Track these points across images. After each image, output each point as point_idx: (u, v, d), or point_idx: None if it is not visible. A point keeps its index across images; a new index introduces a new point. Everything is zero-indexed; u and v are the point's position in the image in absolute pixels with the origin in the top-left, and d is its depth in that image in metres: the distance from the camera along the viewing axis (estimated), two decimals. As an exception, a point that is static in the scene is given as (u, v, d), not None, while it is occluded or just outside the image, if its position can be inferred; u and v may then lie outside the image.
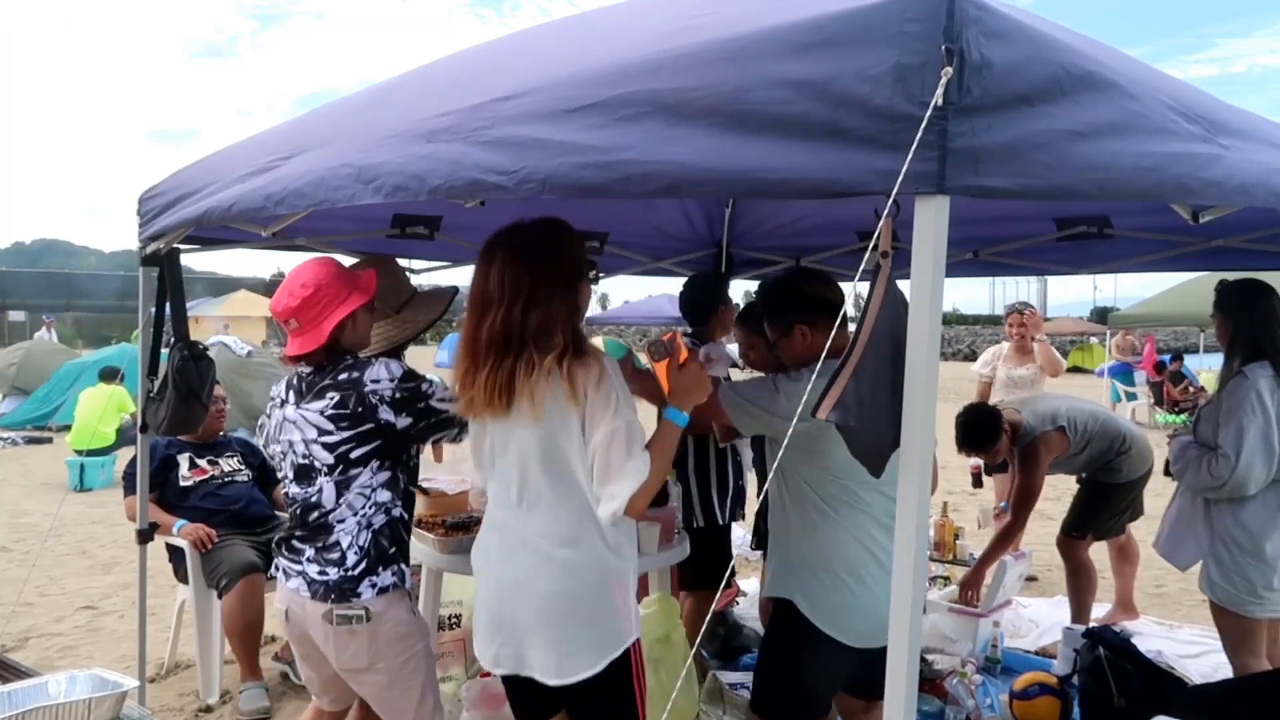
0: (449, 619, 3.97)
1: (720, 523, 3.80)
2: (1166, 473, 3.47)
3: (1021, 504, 4.23)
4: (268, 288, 31.38)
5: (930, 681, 3.67)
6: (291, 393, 2.47)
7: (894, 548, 1.48)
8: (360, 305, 2.42)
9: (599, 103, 1.67)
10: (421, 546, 3.14)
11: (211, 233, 3.35)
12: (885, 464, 1.56)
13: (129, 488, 4.05)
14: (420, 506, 3.45)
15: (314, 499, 2.38)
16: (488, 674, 3.49)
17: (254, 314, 27.44)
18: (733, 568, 3.25)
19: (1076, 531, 4.48)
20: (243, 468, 4.34)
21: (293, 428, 2.41)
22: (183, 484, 4.18)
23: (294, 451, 2.41)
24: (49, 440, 12.14)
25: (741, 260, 4.81)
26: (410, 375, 2.37)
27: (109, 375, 9.89)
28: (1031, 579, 5.54)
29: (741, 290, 26.68)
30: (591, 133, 1.66)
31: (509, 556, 2.14)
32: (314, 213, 2.73)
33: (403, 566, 2.42)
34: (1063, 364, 6.15)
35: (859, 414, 1.49)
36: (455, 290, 3.14)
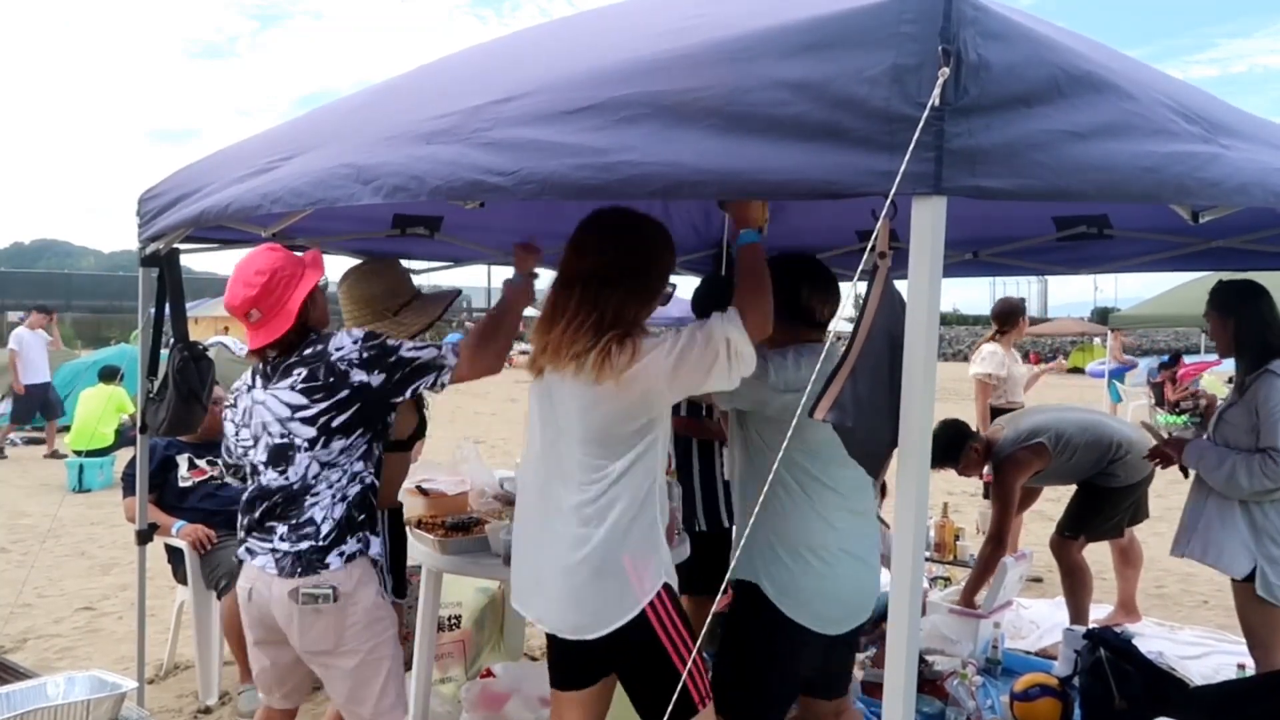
0: (449, 620, 3.96)
1: (724, 526, 3.79)
2: (1184, 474, 3.48)
3: (997, 520, 4.27)
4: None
5: (931, 683, 3.66)
6: (258, 378, 2.44)
7: (894, 548, 1.48)
8: (316, 282, 2.41)
9: (598, 104, 1.68)
10: (421, 547, 3.14)
11: (211, 233, 3.35)
12: (883, 464, 1.56)
13: (128, 488, 4.05)
14: (420, 507, 3.45)
15: (294, 482, 2.34)
16: (488, 674, 3.50)
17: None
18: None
19: (1070, 532, 4.47)
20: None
21: (263, 409, 2.37)
22: (182, 484, 4.18)
23: (268, 433, 2.36)
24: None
25: (741, 261, 4.80)
26: (372, 335, 2.36)
27: (108, 375, 9.89)
28: (1036, 580, 5.53)
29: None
30: (590, 134, 1.67)
31: (540, 523, 2.17)
32: (314, 212, 2.74)
33: (368, 534, 2.40)
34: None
35: (856, 414, 1.49)
36: (457, 293, 3.13)
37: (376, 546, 2.43)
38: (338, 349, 2.33)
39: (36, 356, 10.99)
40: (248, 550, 2.41)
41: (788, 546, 2.36)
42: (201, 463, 4.24)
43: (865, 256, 1.49)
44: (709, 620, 2.08)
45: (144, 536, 3.53)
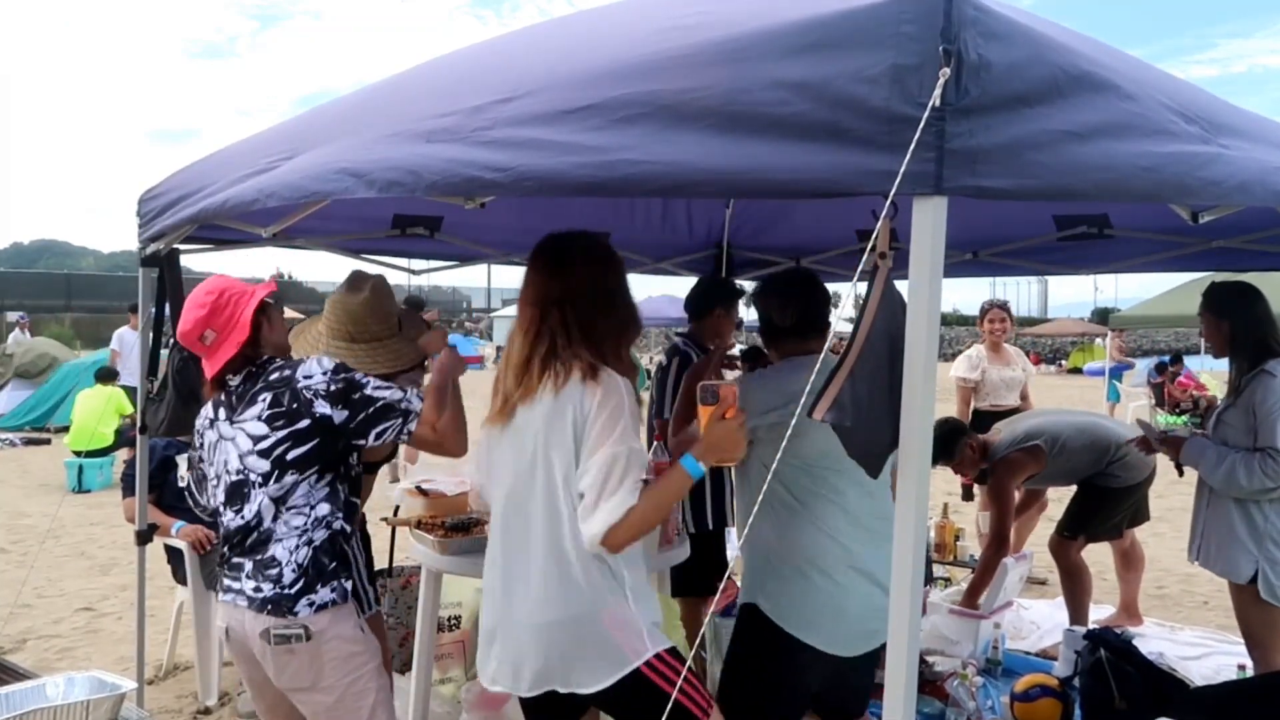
0: (449, 620, 3.96)
1: (710, 528, 3.80)
2: (1179, 473, 3.49)
3: (995, 522, 4.28)
4: (268, 289, 31.35)
5: (931, 683, 3.66)
6: (221, 409, 2.34)
7: (894, 548, 1.47)
8: (267, 294, 2.34)
9: (597, 104, 1.68)
10: (421, 547, 3.14)
11: (211, 233, 3.35)
12: (883, 464, 1.56)
13: (128, 489, 4.05)
14: (420, 507, 3.45)
15: (250, 520, 2.25)
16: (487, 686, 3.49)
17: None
18: (731, 569, 3.24)
19: (1069, 532, 4.46)
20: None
21: (228, 445, 2.30)
22: (181, 484, 4.16)
23: (227, 471, 2.29)
24: (47, 441, 12.13)
25: (742, 261, 4.81)
26: (343, 368, 2.30)
27: (106, 376, 9.87)
28: (1040, 582, 5.52)
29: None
30: (590, 133, 1.66)
31: (507, 575, 2.09)
32: (314, 212, 2.74)
33: (343, 582, 2.29)
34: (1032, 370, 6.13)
35: (855, 415, 1.48)
36: (420, 361, 2.88)
37: (350, 582, 2.35)
38: (306, 376, 2.26)
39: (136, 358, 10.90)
40: (223, 588, 2.32)
41: (792, 564, 2.30)
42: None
43: (865, 257, 1.49)
44: (709, 620, 2.07)
45: (144, 537, 3.53)
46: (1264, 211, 2.16)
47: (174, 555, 4.12)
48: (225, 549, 2.33)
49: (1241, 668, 3.55)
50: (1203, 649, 4.50)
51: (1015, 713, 3.55)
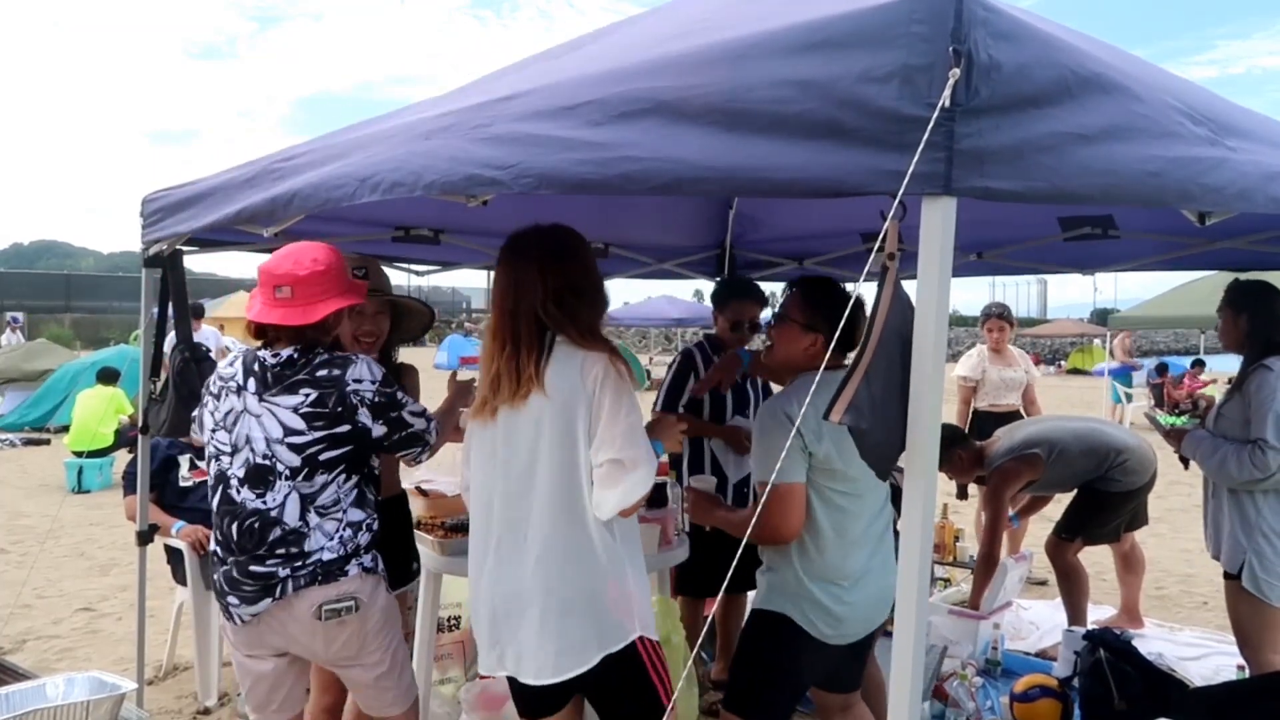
0: (448, 620, 3.95)
1: (707, 529, 3.79)
2: (1184, 465, 3.53)
3: (987, 530, 4.28)
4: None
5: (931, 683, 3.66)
6: (252, 380, 2.27)
7: (900, 547, 1.47)
8: (352, 304, 2.36)
9: (598, 99, 1.67)
10: (421, 548, 3.13)
11: (214, 234, 3.35)
12: (893, 466, 1.56)
13: (129, 487, 4.05)
14: (419, 508, 3.44)
15: (272, 511, 2.22)
16: (487, 675, 3.49)
17: (253, 315, 27.37)
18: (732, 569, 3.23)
19: (1067, 533, 4.45)
20: None
21: (252, 421, 2.24)
22: (182, 484, 4.17)
23: (251, 449, 2.24)
24: (47, 442, 12.11)
25: (745, 262, 4.80)
26: (389, 380, 2.31)
27: (108, 377, 9.86)
28: (1040, 582, 5.52)
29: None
30: (591, 129, 1.66)
31: (506, 557, 2.12)
32: (317, 214, 2.73)
33: (377, 555, 2.38)
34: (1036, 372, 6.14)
35: (871, 416, 1.48)
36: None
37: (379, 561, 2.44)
38: (356, 380, 2.24)
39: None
40: (233, 615, 2.28)
41: (824, 586, 2.37)
42: (203, 463, 4.23)
43: (873, 258, 1.49)
44: (708, 621, 2.08)
45: (144, 537, 3.53)
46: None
47: (174, 555, 4.11)
48: (238, 537, 2.25)
49: (1241, 668, 3.55)
50: (1202, 649, 4.50)
51: (1015, 713, 3.55)
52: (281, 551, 2.23)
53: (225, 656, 4.01)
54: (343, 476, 2.27)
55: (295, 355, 2.26)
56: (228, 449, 2.30)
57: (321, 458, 2.23)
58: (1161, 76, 1.91)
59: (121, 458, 8.33)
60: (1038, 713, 3.50)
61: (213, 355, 3.38)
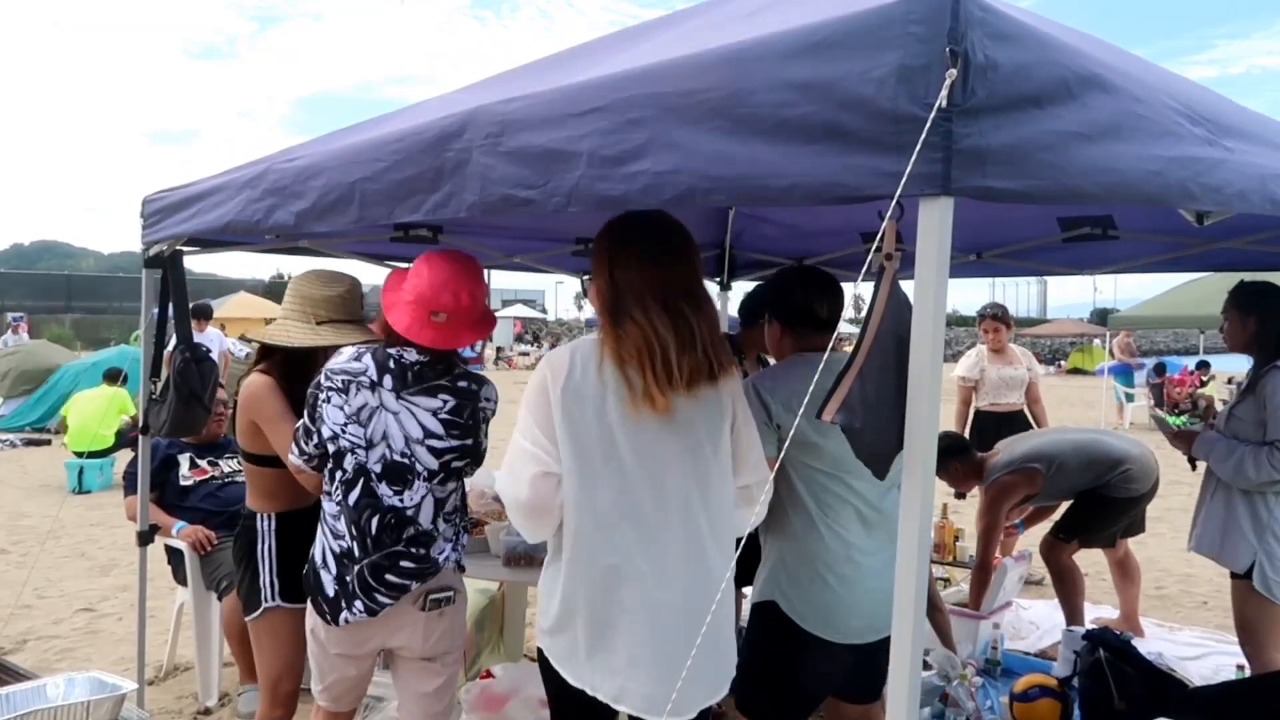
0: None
1: None
2: (1192, 466, 3.55)
3: (981, 542, 4.29)
4: (267, 289, 31.42)
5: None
6: (389, 377, 2.27)
7: (898, 547, 1.47)
8: (485, 335, 2.50)
9: (604, 106, 1.69)
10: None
11: (214, 235, 3.35)
12: (889, 465, 1.56)
13: (129, 487, 4.05)
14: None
15: (409, 510, 2.29)
16: (488, 675, 3.49)
17: (253, 316, 27.39)
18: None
19: (1064, 534, 4.45)
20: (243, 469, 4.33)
21: (390, 418, 2.26)
22: (183, 483, 4.18)
23: (388, 445, 2.26)
24: (48, 442, 12.11)
25: (744, 262, 4.80)
26: (496, 401, 2.45)
27: (113, 377, 9.88)
28: (1039, 582, 5.52)
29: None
30: (601, 138, 1.68)
31: (646, 580, 1.89)
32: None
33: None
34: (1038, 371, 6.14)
35: (864, 415, 1.48)
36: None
37: None
38: (487, 399, 2.39)
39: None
40: (370, 611, 2.29)
41: (807, 568, 2.34)
42: (203, 462, 4.24)
43: (870, 257, 1.49)
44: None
45: (145, 537, 3.53)
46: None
47: (174, 556, 4.12)
48: (377, 532, 2.27)
49: (1240, 668, 3.55)
50: (1201, 649, 4.50)
51: (1014, 713, 3.55)
52: (413, 551, 2.31)
53: (226, 657, 4.02)
54: (463, 484, 2.43)
55: (434, 359, 2.33)
56: (363, 443, 2.27)
57: (453, 465, 2.35)
58: (1160, 76, 1.91)
59: (122, 458, 8.33)
60: (1037, 712, 3.50)
61: (214, 357, 3.38)
